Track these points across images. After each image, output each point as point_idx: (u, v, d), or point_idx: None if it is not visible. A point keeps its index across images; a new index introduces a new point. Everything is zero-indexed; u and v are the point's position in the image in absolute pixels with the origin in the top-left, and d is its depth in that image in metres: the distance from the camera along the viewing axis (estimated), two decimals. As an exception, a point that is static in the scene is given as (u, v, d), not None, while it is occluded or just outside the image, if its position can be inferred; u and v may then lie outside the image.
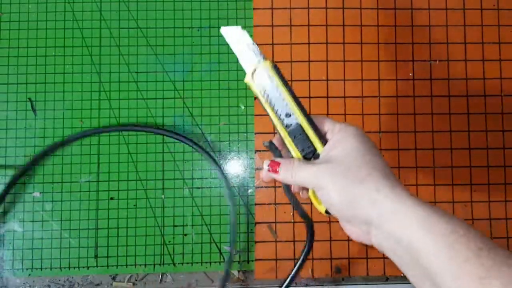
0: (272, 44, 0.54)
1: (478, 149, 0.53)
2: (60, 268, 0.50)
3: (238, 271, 0.52)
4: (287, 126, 0.31)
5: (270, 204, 0.52)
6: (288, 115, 0.31)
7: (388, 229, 0.25)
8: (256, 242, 0.51)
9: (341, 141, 0.29)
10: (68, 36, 0.53)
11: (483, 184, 0.52)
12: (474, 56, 0.54)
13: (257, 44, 0.32)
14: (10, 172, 0.51)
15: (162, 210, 0.52)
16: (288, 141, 0.32)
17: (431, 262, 0.23)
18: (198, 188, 0.52)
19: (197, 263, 0.51)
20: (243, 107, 0.53)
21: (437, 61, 0.54)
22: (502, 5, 0.55)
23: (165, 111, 0.53)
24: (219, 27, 0.54)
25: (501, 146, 0.53)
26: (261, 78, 0.31)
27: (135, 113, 0.53)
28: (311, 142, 0.31)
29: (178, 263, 0.51)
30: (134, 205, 0.52)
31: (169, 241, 0.51)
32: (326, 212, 0.30)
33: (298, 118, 0.31)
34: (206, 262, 0.51)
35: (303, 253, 0.35)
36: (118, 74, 0.53)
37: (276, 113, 0.31)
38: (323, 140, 0.31)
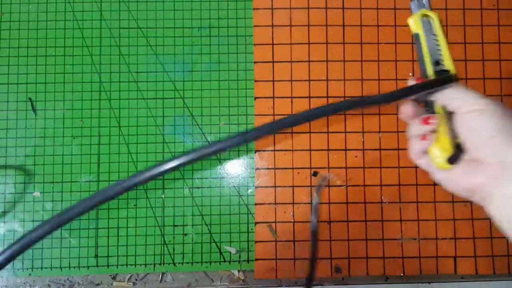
0: (272, 44, 0.54)
1: (478, 149, 0.53)
2: (61, 267, 0.50)
3: (238, 271, 0.52)
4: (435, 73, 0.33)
5: (270, 204, 0.52)
6: (437, 62, 0.33)
7: None
8: (256, 242, 0.51)
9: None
10: (68, 36, 0.53)
11: (483, 184, 0.52)
12: (474, 56, 0.54)
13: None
14: (10, 172, 0.51)
15: (162, 210, 0.52)
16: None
17: None
18: (198, 188, 0.52)
19: (197, 262, 0.51)
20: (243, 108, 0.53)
21: (437, 61, 0.54)
22: (502, 5, 0.55)
23: (165, 111, 0.53)
24: (219, 27, 0.54)
25: (501, 146, 0.53)
26: (427, 24, 0.34)
27: (135, 113, 0.53)
28: None
29: (178, 263, 0.51)
30: (134, 205, 0.52)
31: (169, 241, 0.51)
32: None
33: (449, 67, 0.33)
34: (206, 262, 0.51)
35: None
36: (118, 74, 0.53)
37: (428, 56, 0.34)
38: None
